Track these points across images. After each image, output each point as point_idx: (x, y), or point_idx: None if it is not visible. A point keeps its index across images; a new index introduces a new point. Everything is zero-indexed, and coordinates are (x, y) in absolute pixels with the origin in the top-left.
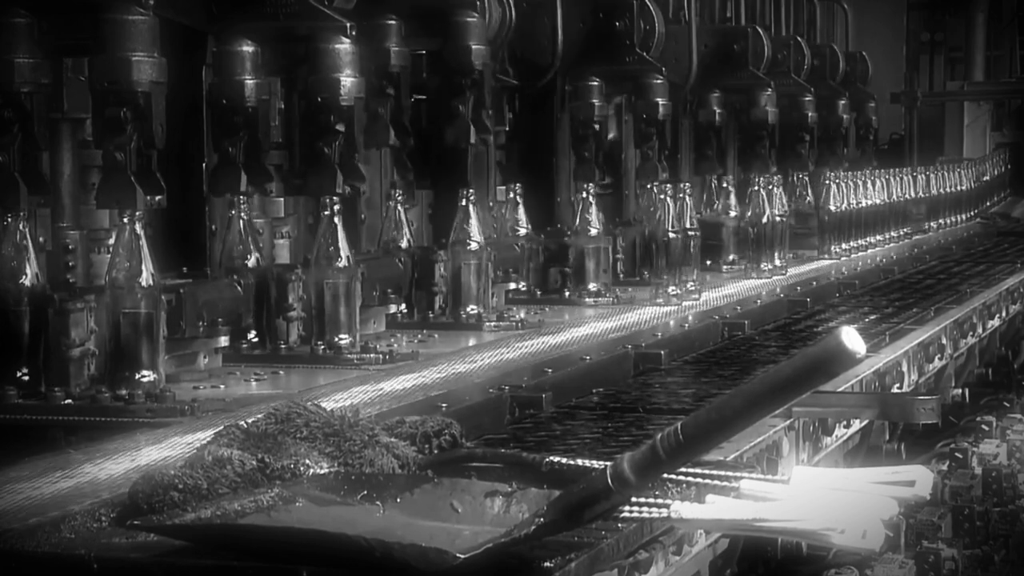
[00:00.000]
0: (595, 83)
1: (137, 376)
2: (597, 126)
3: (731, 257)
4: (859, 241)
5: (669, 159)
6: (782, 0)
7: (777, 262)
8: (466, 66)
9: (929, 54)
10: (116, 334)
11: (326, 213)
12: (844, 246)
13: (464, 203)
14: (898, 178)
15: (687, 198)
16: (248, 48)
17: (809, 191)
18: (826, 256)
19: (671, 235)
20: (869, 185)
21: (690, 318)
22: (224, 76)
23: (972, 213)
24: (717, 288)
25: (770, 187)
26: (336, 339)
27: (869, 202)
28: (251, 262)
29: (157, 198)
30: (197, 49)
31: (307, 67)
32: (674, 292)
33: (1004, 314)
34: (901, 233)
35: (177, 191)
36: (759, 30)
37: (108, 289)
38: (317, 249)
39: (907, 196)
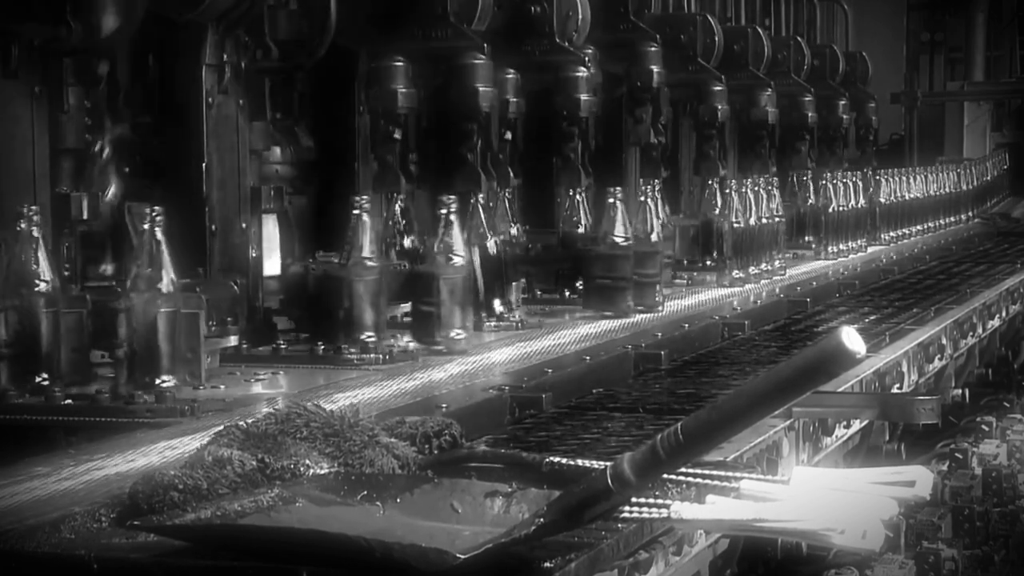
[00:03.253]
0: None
1: (160, 380)
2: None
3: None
4: (903, 230)
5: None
6: (782, 0)
7: (841, 246)
8: None
9: (929, 54)
10: (145, 336)
11: (355, 212)
12: (892, 233)
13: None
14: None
15: (775, 190)
16: None
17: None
18: (877, 243)
19: (763, 221)
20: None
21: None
22: None
23: (972, 213)
24: (795, 267)
25: (835, 181)
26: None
27: (913, 195)
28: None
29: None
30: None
31: None
32: (766, 269)
33: (1004, 314)
34: (905, 232)
35: (178, 191)
36: (759, 30)
37: (132, 292)
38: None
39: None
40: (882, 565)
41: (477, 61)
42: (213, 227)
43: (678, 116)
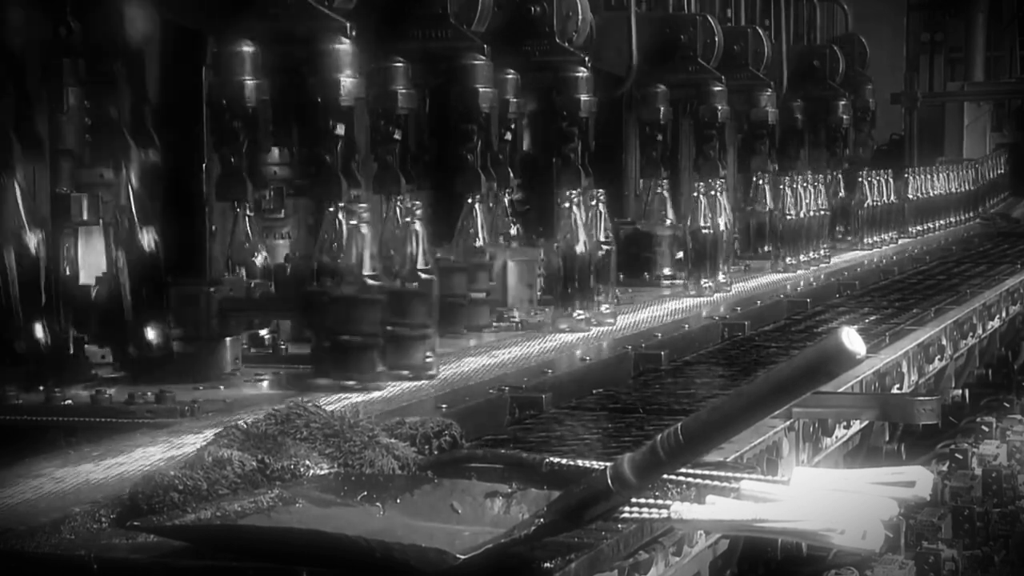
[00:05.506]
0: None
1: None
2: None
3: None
4: (928, 224)
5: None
6: (782, 0)
7: (875, 238)
8: None
9: (929, 54)
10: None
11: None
12: (919, 227)
13: None
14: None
15: (817, 185)
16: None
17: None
18: (905, 236)
19: (802, 214)
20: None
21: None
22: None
23: (972, 213)
24: (835, 256)
25: (870, 179)
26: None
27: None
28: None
29: None
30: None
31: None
32: (808, 259)
33: (1004, 315)
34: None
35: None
36: (759, 30)
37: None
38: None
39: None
40: (882, 565)
41: (477, 62)
42: (213, 228)
43: (678, 116)
